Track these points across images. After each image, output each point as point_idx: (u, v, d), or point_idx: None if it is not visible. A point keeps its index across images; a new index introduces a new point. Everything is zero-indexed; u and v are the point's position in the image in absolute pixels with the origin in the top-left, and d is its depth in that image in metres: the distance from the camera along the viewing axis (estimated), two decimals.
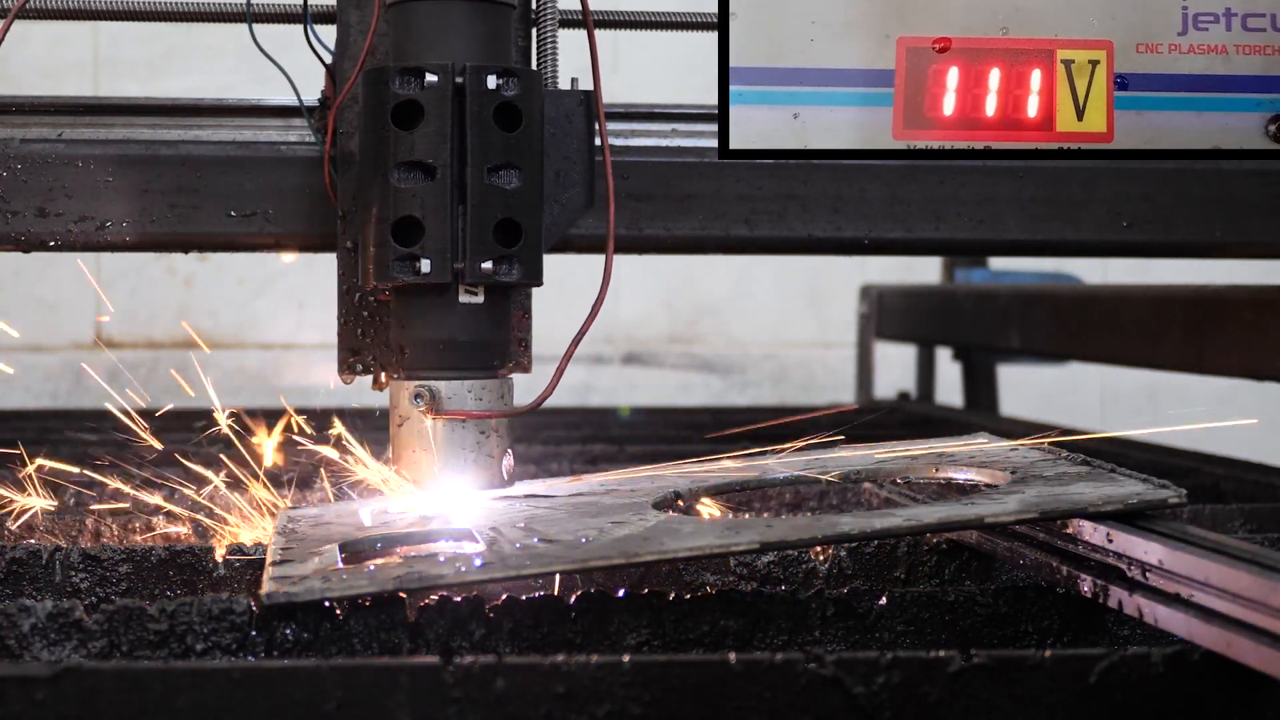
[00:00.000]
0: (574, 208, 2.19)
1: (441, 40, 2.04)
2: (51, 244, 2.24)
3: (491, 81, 2.01)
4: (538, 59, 2.19)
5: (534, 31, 2.21)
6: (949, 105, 2.00)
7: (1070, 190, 2.40)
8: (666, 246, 2.38)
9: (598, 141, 2.18)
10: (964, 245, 2.60)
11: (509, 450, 2.09)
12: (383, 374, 2.24)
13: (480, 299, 2.05)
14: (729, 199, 2.35)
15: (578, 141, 2.18)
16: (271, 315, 6.22)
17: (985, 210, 2.39)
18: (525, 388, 2.10)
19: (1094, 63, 1.98)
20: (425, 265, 2.00)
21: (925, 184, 2.37)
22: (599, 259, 2.15)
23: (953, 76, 1.99)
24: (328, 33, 2.24)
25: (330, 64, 2.22)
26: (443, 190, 2.00)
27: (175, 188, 2.25)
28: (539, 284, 2.10)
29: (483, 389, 2.06)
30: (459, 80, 2.00)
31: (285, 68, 2.20)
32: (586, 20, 2.16)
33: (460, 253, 2.01)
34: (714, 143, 2.04)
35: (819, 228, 2.37)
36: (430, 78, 2.00)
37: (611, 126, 2.31)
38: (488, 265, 2.01)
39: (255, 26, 2.22)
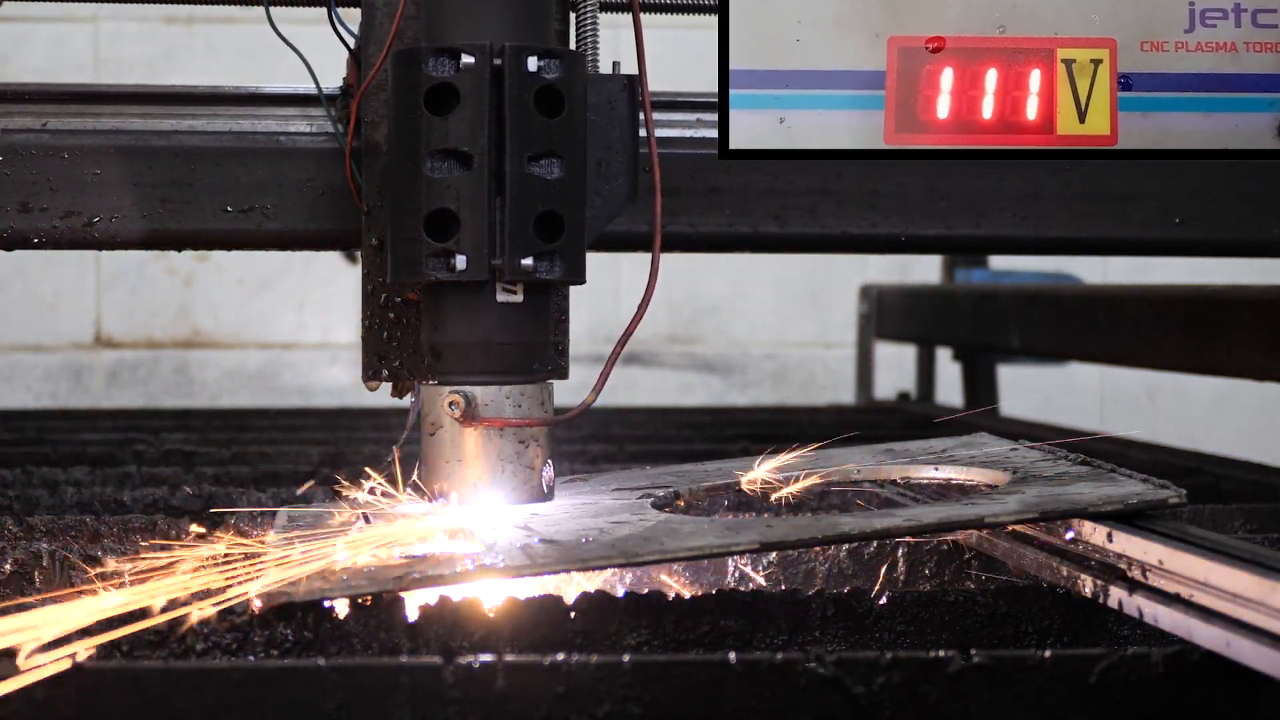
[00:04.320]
0: (617, 201, 2.04)
1: (478, 19, 1.91)
2: (35, 241, 2.11)
3: (532, 63, 1.87)
4: (576, 43, 2.06)
5: (572, 16, 2.08)
6: (943, 108, 1.92)
7: (1118, 185, 2.29)
8: (692, 244, 2.26)
9: (642, 132, 2.04)
10: (1007, 243, 2.43)
11: (549, 461, 1.96)
12: (401, 381, 2.12)
13: (519, 298, 1.92)
14: (757, 194, 2.23)
15: (621, 130, 2.03)
16: (272, 315, 6.23)
17: (1029, 206, 2.28)
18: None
19: (1096, 62, 1.94)
20: (460, 262, 1.87)
21: (965, 178, 2.27)
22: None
23: (947, 78, 1.92)
24: (350, 17, 2.12)
25: (354, 48, 2.10)
26: (479, 181, 1.86)
27: (168, 181, 2.13)
28: (581, 282, 1.95)
29: (522, 394, 1.92)
30: (497, 62, 1.87)
31: (289, 63, 2.11)
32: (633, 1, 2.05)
33: (498, 248, 1.88)
34: None
35: (853, 224, 2.26)
36: (466, 59, 1.86)
37: None
38: (528, 261, 1.87)
39: (257, 22, 2.15)
